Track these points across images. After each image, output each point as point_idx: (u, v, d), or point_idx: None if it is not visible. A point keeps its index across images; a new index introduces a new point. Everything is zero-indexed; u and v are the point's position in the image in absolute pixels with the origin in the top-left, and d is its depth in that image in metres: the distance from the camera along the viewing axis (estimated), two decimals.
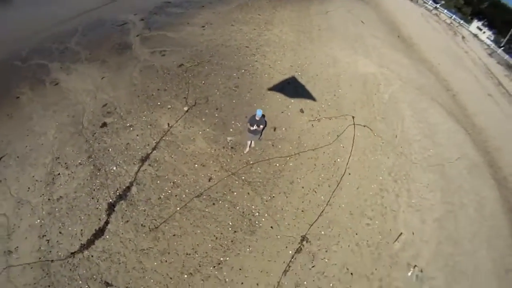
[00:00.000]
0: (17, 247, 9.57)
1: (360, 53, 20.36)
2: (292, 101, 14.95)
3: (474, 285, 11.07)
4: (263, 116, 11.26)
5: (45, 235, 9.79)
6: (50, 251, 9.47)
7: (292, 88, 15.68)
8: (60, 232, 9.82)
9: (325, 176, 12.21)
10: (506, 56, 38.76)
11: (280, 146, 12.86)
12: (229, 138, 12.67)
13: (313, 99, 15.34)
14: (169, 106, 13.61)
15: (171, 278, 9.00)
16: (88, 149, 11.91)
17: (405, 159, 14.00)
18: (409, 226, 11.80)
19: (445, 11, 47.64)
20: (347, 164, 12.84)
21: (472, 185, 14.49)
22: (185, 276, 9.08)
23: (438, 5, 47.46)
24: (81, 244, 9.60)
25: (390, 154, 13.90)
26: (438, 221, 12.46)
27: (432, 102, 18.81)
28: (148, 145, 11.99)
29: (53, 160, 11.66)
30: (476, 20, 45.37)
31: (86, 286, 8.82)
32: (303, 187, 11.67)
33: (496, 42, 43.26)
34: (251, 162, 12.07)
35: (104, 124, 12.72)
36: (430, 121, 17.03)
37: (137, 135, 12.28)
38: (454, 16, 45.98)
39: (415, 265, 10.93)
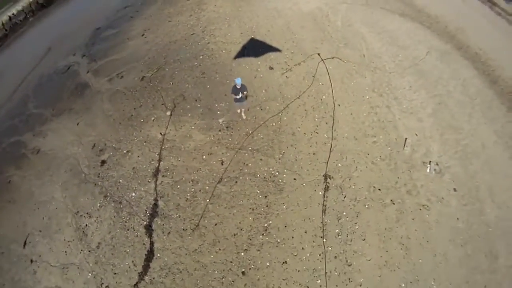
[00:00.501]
0: None
1: None
2: (258, 63, 15.53)
3: (488, 160, 12.05)
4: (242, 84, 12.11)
5: (103, 283, 10.45)
6: None
7: (252, 51, 16.26)
8: (115, 273, 10.49)
9: (319, 115, 13.03)
10: None
11: (268, 107, 13.59)
12: (220, 120, 13.36)
13: (276, 52, 15.98)
14: (153, 118, 14.12)
15: (231, 262, 9.86)
16: (101, 190, 12.45)
17: (380, 72, 14.78)
18: (410, 130, 12.74)
19: None
20: (333, 97, 13.61)
21: (449, 71, 15.34)
22: (242, 254, 9.95)
23: None
24: (139, 273, 10.29)
25: (366, 73, 14.67)
26: (433, 115, 13.34)
27: (382, 11, 19.31)
28: (153, 160, 12.60)
29: (75, 216, 12.18)
30: None
31: None
32: (305, 133, 12.51)
33: None
34: (250, 132, 12.80)
35: (103, 162, 13.21)
36: (388, 29, 17.67)
37: (138, 156, 12.84)
38: None
39: (430, 161, 11.89)
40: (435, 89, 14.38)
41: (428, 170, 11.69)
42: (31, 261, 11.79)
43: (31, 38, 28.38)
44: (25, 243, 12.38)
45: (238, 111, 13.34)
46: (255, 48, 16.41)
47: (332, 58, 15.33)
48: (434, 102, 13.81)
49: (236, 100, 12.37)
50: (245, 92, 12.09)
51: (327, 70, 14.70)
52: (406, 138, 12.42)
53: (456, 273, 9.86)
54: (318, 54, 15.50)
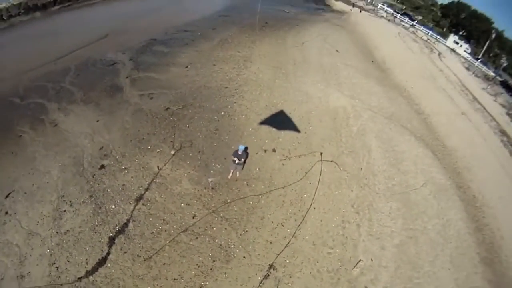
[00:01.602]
0: (29, 272, 11.84)
1: (332, 85, 23.13)
2: (266, 141, 17.64)
3: None
4: (245, 149, 14.49)
5: (54, 263, 12.12)
6: (59, 276, 11.78)
7: (267, 128, 18.38)
8: (68, 261, 12.20)
9: (292, 211, 14.76)
10: (484, 68, 41.53)
11: (253, 185, 15.45)
12: (210, 179, 15.30)
13: (285, 138, 18.00)
14: (158, 150, 16.24)
15: None
16: (89, 189, 14.40)
17: (368, 190, 16.48)
18: (368, 253, 14.02)
19: (422, 27, 50.54)
20: (313, 199, 15.38)
21: (436, 209, 16.70)
22: None
23: (414, 23, 50.73)
24: (87, 271, 11.99)
25: (354, 187, 16.41)
26: (398, 247, 14.57)
27: (401, 129, 21.29)
28: (141, 186, 14.58)
29: (59, 198, 14.11)
30: (452, 34, 48.45)
31: None
32: (272, 222, 14.22)
33: (475, 53, 46.49)
34: (229, 201, 14.61)
35: (102, 166, 15.29)
36: (398, 150, 19.42)
37: (132, 177, 14.87)
38: (430, 32, 48.92)
39: None
40: (413, 222, 15.79)
41: None
42: (6, 213, 13.69)
43: (97, 14, 31.52)
44: (8, 195, 14.32)
45: (230, 175, 15.44)
46: (270, 127, 18.53)
47: (331, 161, 17.28)
48: (405, 235, 15.16)
49: (233, 162, 14.61)
50: (242, 160, 14.40)
51: (321, 172, 16.63)
52: (360, 260, 13.70)
53: None
54: (321, 153, 17.50)
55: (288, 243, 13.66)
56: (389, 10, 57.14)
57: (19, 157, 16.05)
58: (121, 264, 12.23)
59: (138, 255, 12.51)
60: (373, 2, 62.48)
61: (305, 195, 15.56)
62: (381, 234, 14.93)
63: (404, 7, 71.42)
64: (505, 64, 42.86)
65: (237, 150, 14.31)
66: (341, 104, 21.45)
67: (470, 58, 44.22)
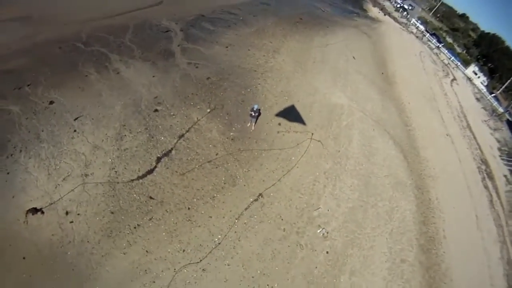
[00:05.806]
0: (93, 173, 17.65)
1: (339, 86, 30.31)
2: (275, 116, 25.20)
3: (367, 257, 19.52)
4: (259, 109, 22.09)
5: (114, 168, 18.73)
6: (117, 177, 18.44)
7: (277, 107, 25.89)
8: (125, 168, 19.08)
9: (281, 165, 22.43)
10: (495, 103, 46.16)
11: (260, 143, 23.00)
12: (231, 133, 22.94)
13: (289, 118, 25.56)
14: (198, 107, 23.74)
15: (187, 199, 19.06)
16: (145, 123, 21.46)
17: (339, 166, 23.89)
18: (327, 205, 21.29)
19: (446, 51, 55.98)
20: (297, 161, 23.02)
21: (390, 196, 23.42)
22: (195, 200, 19.15)
23: (440, 45, 56.28)
24: (138, 176, 18.93)
25: (329, 162, 23.93)
26: (350, 209, 21.53)
27: (384, 133, 28.12)
28: (184, 128, 22.09)
29: (121, 126, 20.69)
30: (474, 65, 53.27)
31: (138, 197, 18.33)
32: (267, 168, 21.85)
33: (493, 88, 51.38)
34: (241, 149, 22.20)
35: (156, 110, 22.76)
36: (374, 146, 26.33)
37: (177, 121, 22.45)
38: (453, 58, 54.45)
39: (324, 228, 20.14)
40: (367, 198, 22.80)
41: (318, 231, 19.90)
42: (75, 130, 19.24)
43: None
44: (76, 118, 19.83)
45: (248, 125, 23.31)
46: (280, 107, 26.11)
47: (318, 141, 24.91)
48: (358, 203, 22.25)
49: (250, 116, 22.53)
50: (256, 114, 22.26)
51: (308, 146, 24.35)
52: (319, 207, 21.06)
53: None
54: (312, 133, 25.21)
55: (275, 183, 21.26)
56: (420, 27, 62.38)
57: (86, 92, 21.67)
58: (163, 175, 19.38)
59: (176, 171, 19.79)
60: (408, 16, 67.31)
61: (293, 158, 23.15)
62: (339, 196, 22.04)
63: (440, 26, 75.95)
64: None
65: (253, 107, 22.13)
66: (340, 102, 28.56)
67: (484, 90, 48.33)
